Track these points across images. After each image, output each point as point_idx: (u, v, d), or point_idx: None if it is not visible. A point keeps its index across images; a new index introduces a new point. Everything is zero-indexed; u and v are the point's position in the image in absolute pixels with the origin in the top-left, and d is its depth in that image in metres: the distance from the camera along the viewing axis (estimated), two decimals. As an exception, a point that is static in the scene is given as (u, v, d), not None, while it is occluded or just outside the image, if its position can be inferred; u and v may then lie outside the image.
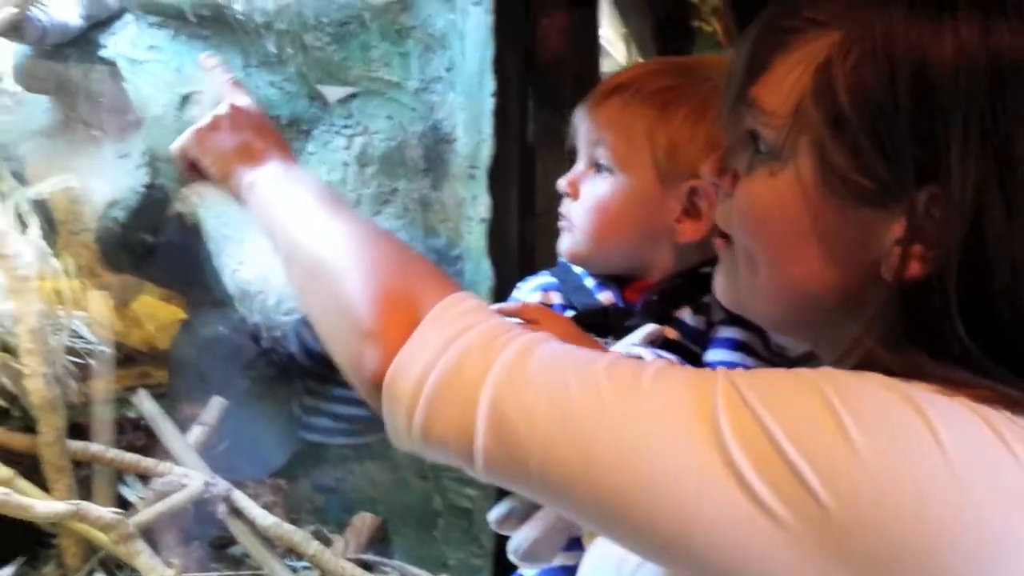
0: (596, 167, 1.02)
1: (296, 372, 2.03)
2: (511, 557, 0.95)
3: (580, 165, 1.04)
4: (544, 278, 1.08)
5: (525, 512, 0.93)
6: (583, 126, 1.03)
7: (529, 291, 1.07)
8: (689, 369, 0.64)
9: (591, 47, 1.73)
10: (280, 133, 1.01)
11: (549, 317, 0.94)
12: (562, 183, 1.05)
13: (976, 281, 0.59)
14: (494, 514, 0.96)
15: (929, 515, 0.53)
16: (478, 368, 0.65)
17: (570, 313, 1.02)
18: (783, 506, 0.54)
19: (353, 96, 1.90)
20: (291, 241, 0.83)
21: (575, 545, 0.92)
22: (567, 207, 1.05)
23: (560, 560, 0.97)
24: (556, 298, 1.05)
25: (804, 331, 0.73)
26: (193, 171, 1.01)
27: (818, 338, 0.72)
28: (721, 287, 0.75)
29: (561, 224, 1.06)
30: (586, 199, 1.02)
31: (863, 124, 0.61)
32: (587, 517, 0.63)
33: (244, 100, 1.02)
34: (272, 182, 0.91)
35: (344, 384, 0.75)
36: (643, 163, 0.98)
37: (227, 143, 0.96)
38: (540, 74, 1.70)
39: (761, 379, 0.60)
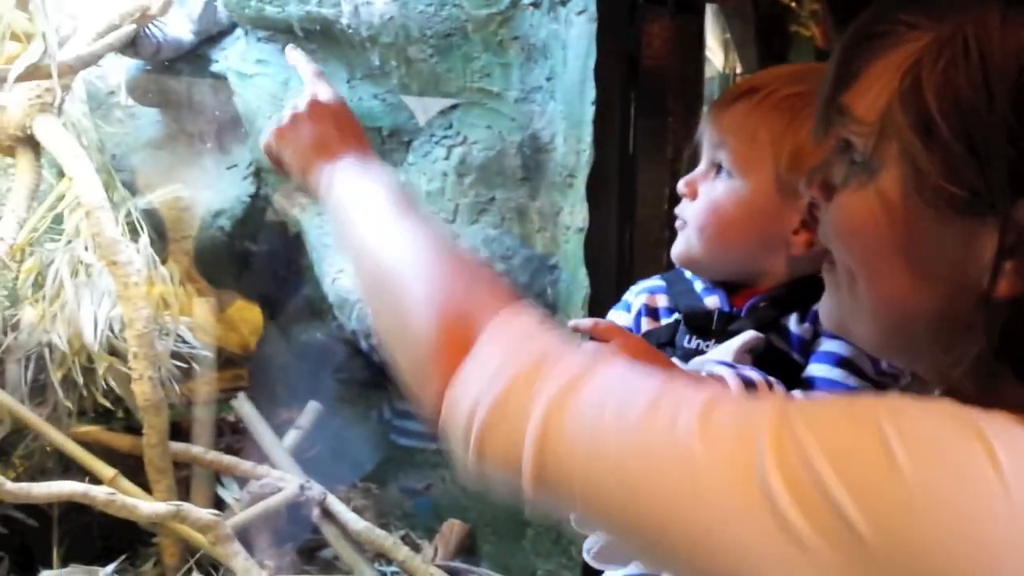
0: (716, 169, 0.99)
1: (385, 379, 2.04)
2: (585, 556, 0.94)
3: (702, 167, 1.01)
4: (654, 281, 1.07)
5: None
6: (708, 128, 1.00)
7: (636, 293, 1.06)
8: (740, 401, 0.62)
9: (696, 55, 1.72)
10: (358, 125, 1.00)
11: (619, 335, 0.92)
12: (681, 184, 1.03)
13: None
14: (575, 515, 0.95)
15: (978, 552, 0.50)
16: (524, 398, 0.64)
17: (676, 316, 1.01)
18: (819, 537, 0.52)
19: (453, 107, 1.93)
20: (360, 247, 0.84)
21: None
22: (683, 207, 1.02)
23: (637, 568, 0.95)
24: (662, 301, 1.03)
25: (906, 353, 0.70)
26: (281, 168, 1.02)
27: (919, 361, 0.69)
28: (824, 309, 0.73)
29: (677, 224, 1.04)
30: (702, 200, 1.00)
31: (953, 129, 0.58)
32: (634, 549, 0.64)
33: (326, 92, 1.01)
34: (345, 181, 0.91)
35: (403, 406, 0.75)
36: (764, 171, 0.95)
37: (304, 138, 0.96)
38: (643, 83, 1.69)
39: (813, 408, 0.58)
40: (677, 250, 1.03)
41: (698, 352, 0.94)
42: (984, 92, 0.56)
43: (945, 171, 0.58)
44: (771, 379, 0.87)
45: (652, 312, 1.03)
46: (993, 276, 0.58)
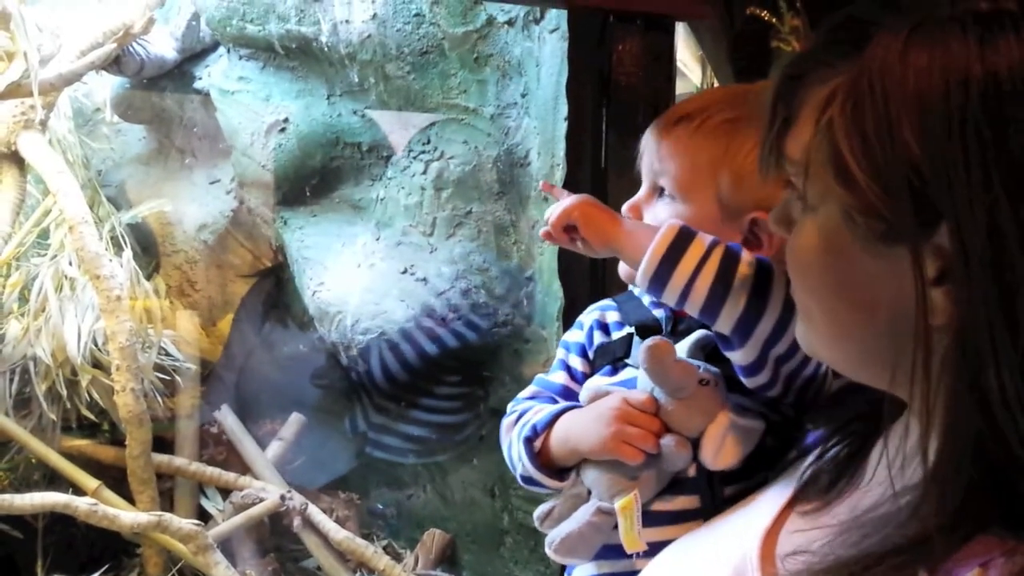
0: (659, 192, 1.00)
1: (365, 390, 2.07)
2: (547, 551, 0.95)
3: (643, 190, 1.02)
4: (606, 302, 1.09)
5: (565, 512, 0.95)
6: (648, 152, 1.01)
7: (588, 312, 1.08)
8: None
9: (667, 72, 1.74)
10: None
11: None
12: (625, 207, 1.03)
13: (1013, 317, 0.54)
14: (538, 512, 0.97)
15: None
16: None
17: (628, 329, 1.02)
18: None
19: (431, 123, 1.96)
20: None
21: (616, 553, 0.91)
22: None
23: (593, 569, 0.96)
24: (613, 317, 1.05)
25: (876, 379, 0.68)
26: None
27: (890, 385, 0.67)
28: (798, 334, 0.74)
29: None
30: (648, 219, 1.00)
31: (861, 165, 0.58)
32: None
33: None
34: None
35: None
36: (706, 195, 0.96)
37: None
38: (615, 99, 1.72)
39: None
40: (624, 272, 1.03)
41: None
42: (887, 127, 0.57)
43: (861, 205, 0.60)
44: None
45: (603, 327, 1.04)
46: (922, 302, 0.57)
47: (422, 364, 1.98)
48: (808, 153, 0.63)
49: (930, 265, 0.57)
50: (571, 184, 1.76)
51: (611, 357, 1.00)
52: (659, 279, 0.85)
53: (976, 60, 0.55)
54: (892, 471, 0.63)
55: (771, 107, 0.68)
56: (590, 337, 1.03)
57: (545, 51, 1.79)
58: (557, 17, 1.77)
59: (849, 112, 0.60)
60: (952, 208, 0.55)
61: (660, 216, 0.99)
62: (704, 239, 0.86)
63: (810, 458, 0.79)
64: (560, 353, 1.06)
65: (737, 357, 0.87)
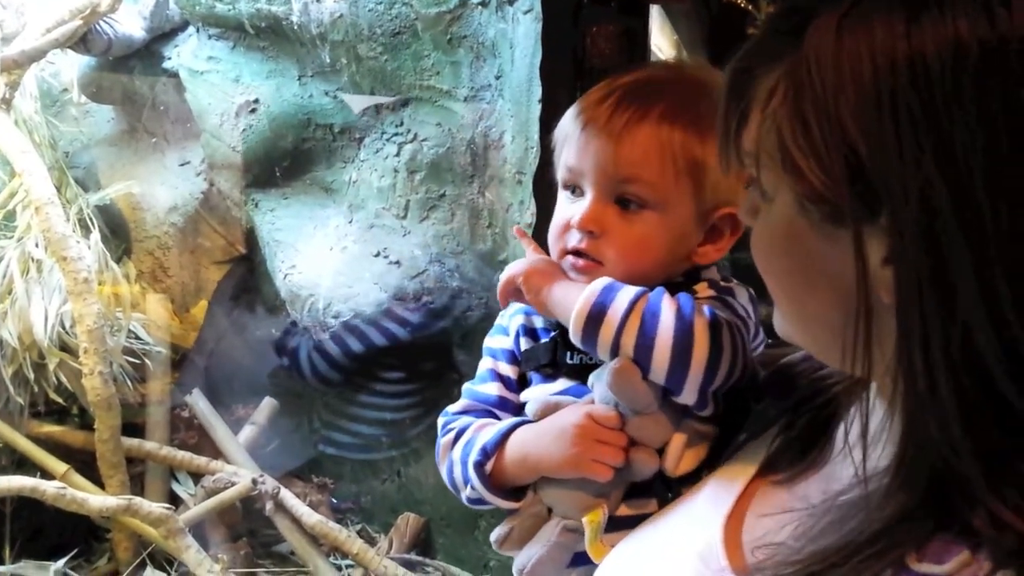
0: (622, 204, 0.89)
1: (337, 375, 2.06)
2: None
3: (593, 203, 0.89)
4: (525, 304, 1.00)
5: (526, 532, 0.91)
6: (590, 153, 0.88)
7: (511, 316, 1.00)
8: None
9: (641, 54, 1.74)
10: None
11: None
12: (583, 225, 0.89)
13: (946, 298, 0.55)
14: (495, 534, 0.93)
15: None
16: None
17: (553, 335, 0.95)
18: None
19: (404, 105, 1.95)
20: None
21: (582, 559, 0.88)
22: (590, 244, 0.90)
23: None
24: (539, 322, 0.97)
25: (847, 363, 0.66)
26: None
27: (865, 370, 0.66)
28: (774, 320, 0.74)
29: (580, 264, 0.91)
30: (619, 236, 0.89)
31: (805, 151, 0.59)
32: None
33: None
34: None
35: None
36: (685, 199, 0.89)
37: None
38: (589, 81, 1.72)
39: None
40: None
41: (583, 367, 0.92)
42: (825, 112, 0.58)
43: (808, 191, 0.60)
44: None
45: (530, 332, 0.98)
46: (862, 281, 0.58)
47: (395, 348, 1.97)
48: (758, 144, 0.64)
49: (879, 245, 0.58)
50: (546, 166, 1.76)
51: (536, 363, 0.95)
52: (588, 341, 0.85)
53: (902, 39, 0.55)
54: (859, 453, 0.63)
55: (724, 102, 0.67)
56: (517, 343, 0.97)
57: (519, 32, 1.78)
58: (531, -3, 1.76)
59: (790, 100, 0.60)
60: (887, 187, 0.56)
61: (638, 232, 0.90)
62: (626, 296, 0.84)
63: (779, 427, 0.79)
64: (487, 362, 0.98)
65: (679, 399, 0.85)
